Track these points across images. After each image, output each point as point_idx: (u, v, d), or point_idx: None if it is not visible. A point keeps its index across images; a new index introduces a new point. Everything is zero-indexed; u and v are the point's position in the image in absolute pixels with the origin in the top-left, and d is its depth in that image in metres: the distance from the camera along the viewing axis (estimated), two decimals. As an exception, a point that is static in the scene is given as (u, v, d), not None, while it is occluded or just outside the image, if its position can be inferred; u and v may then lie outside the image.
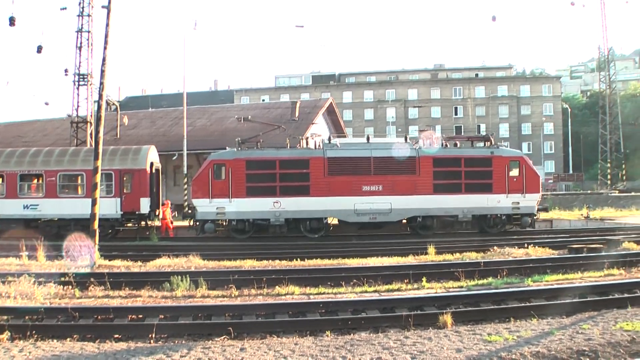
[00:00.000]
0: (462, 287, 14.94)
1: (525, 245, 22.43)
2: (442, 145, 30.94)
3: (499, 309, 11.84)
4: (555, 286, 14.30)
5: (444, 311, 11.11)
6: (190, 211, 31.24)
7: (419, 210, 29.59)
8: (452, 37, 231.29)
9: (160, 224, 31.40)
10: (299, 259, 19.57)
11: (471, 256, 19.69)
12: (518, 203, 29.98)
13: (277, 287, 14.71)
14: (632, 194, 57.80)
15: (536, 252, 21.11)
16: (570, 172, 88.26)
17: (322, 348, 9.03)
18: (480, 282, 15.40)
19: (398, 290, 14.70)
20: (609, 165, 79.08)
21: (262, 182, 29.23)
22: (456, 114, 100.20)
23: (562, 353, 8.42)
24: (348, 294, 14.29)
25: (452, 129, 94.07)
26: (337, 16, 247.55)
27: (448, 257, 19.81)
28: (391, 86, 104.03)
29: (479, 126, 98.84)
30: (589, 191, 65.66)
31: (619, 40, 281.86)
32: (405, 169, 29.65)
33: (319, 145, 30.54)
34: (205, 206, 28.90)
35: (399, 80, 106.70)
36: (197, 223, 29.42)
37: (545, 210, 34.81)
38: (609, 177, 78.35)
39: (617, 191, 64.73)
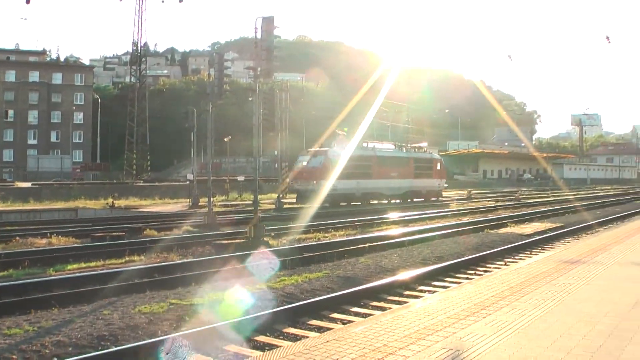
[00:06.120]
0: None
1: (48, 235, 21.86)
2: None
3: (20, 300, 11.36)
4: (78, 274, 14.31)
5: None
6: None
7: (410, 188, 48.14)
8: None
9: None
10: None
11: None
12: (439, 185, 52.19)
13: None
14: (156, 183, 60.70)
15: (60, 242, 20.82)
16: (99, 161, 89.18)
17: None
18: (1, 274, 14.59)
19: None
20: (134, 155, 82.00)
21: (350, 170, 40.99)
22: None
23: (83, 340, 8.42)
24: None
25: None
26: None
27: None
28: None
29: (6, 112, 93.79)
30: (115, 180, 67.05)
31: (154, 37, 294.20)
32: (404, 164, 48.17)
33: (372, 147, 46.48)
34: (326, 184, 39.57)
35: None
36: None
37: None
38: (134, 167, 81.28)
39: (142, 181, 67.36)
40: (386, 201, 45.96)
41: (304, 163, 42.13)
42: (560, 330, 7.16)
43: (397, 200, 47.05)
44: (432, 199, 49.69)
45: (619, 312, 8.12)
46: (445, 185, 54.70)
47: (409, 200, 48.08)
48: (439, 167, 51.75)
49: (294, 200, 43.73)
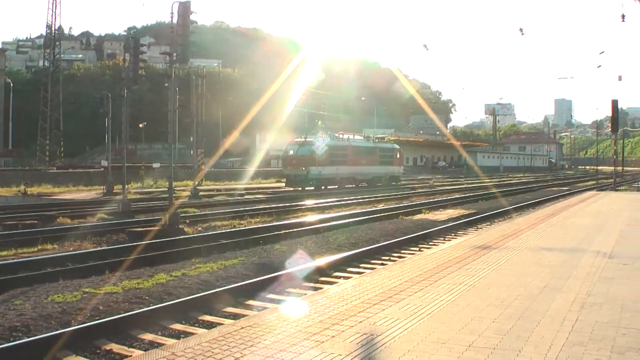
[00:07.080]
0: None
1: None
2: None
3: None
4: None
5: None
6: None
7: (376, 174, 54.07)
8: None
9: None
10: None
11: None
12: (398, 171, 58.76)
13: None
14: (70, 170, 59.10)
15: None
16: (10, 147, 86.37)
17: None
18: None
19: None
20: (47, 141, 79.69)
21: (331, 158, 47.58)
22: None
23: (-6, 332, 8.26)
24: None
25: None
26: None
27: None
28: None
29: None
30: (27, 167, 64.98)
31: (69, 20, 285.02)
32: (372, 153, 54.19)
33: (346, 138, 53.43)
34: (314, 170, 45.83)
35: None
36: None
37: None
38: (47, 153, 79.00)
39: (55, 167, 65.47)
40: (353, 185, 51.54)
41: (292, 152, 47.60)
42: (472, 314, 7.41)
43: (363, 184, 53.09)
44: (392, 183, 55.95)
45: (529, 295, 8.46)
46: (403, 172, 61.85)
47: (378, 184, 53.39)
48: (398, 156, 58.95)
49: (211, 187, 43.59)
